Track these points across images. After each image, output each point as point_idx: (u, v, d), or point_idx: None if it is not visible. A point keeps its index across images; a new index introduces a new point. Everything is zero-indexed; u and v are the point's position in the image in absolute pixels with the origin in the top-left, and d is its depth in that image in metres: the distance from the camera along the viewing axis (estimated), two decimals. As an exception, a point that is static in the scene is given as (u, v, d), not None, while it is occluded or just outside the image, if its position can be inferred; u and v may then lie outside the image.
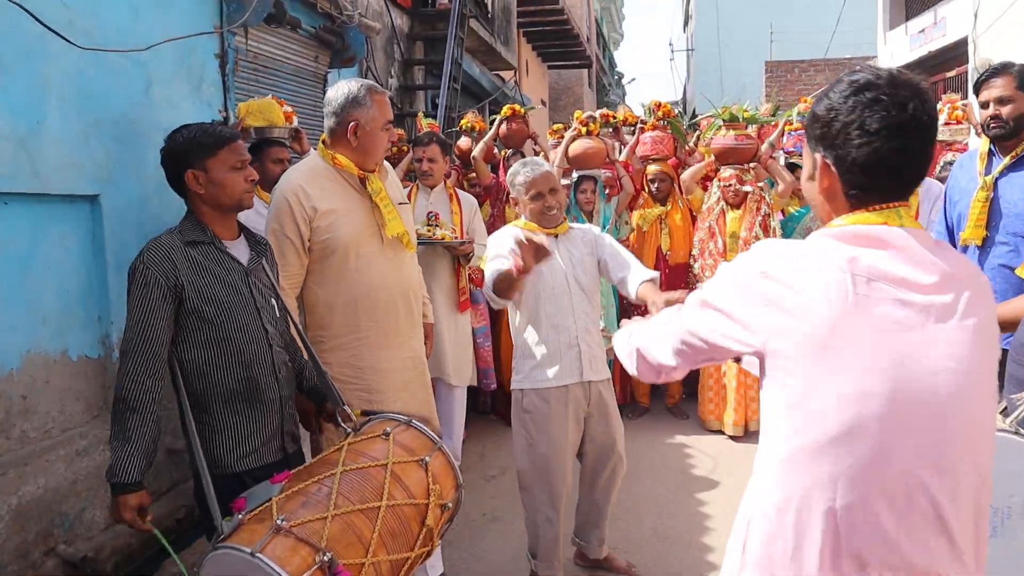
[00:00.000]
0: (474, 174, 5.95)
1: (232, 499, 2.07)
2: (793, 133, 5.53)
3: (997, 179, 3.12)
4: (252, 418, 2.39)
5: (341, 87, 2.86)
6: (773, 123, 5.67)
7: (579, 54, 18.13)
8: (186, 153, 2.35)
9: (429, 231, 4.46)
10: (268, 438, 2.43)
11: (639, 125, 5.84)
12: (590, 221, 5.29)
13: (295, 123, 4.22)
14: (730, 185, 5.18)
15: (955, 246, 3.30)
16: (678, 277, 5.58)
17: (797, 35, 20.54)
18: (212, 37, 4.20)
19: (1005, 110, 3.03)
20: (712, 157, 5.33)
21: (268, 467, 2.36)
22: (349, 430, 2.46)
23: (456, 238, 4.50)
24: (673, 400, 5.93)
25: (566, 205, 4.32)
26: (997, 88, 3.07)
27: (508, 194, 5.81)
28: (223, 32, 4.24)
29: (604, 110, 6.24)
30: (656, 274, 3.06)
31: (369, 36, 6.01)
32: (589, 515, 3.45)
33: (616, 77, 34.18)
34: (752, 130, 5.48)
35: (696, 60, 26.24)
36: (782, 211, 5.49)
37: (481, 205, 5.89)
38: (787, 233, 5.39)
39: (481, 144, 5.88)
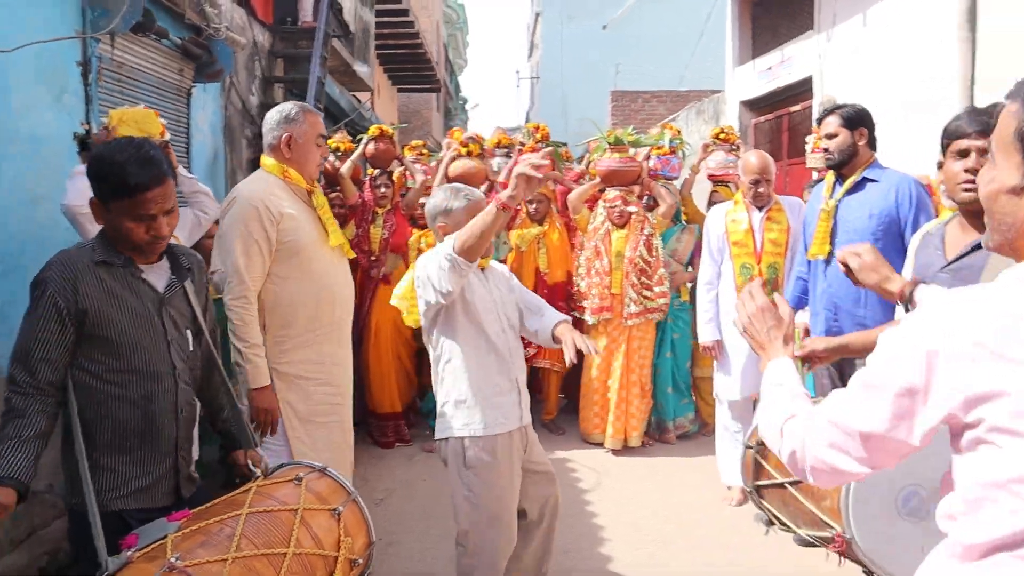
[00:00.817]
0: (335, 193, 5.83)
1: (111, 539, 1.89)
2: (659, 156, 5.79)
3: (839, 203, 3.59)
4: (141, 458, 2.19)
5: (276, 109, 3.15)
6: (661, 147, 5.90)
7: (430, 78, 18.21)
8: (92, 181, 2.13)
9: None
10: (157, 479, 2.23)
11: (518, 147, 5.93)
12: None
13: (167, 137, 3.98)
14: (615, 206, 5.33)
15: (808, 262, 3.80)
16: (556, 296, 5.67)
17: (643, 67, 21.55)
18: (74, 44, 3.91)
19: (832, 144, 3.54)
20: (598, 178, 5.49)
21: (157, 511, 2.13)
22: (259, 474, 2.30)
23: None
24: (550, 416, 6.03)
25: None
26: (827, 126, 3.60)
27: (374, 213, 5.82)
28: (86, 38, 3.95)
29: (475, 132, 6.28)
30: (569, 319, 3.02)
31: (235, 51, 5.78)
32: (535, 561, 3.12)
33: (461, 102, 34.59)
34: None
35: (541, 88, 27.00)
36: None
37: (345, 224, 5.80)
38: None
39: (348, 163, 5.82)
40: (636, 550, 3.97)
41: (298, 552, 1.99)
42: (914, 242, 2.76)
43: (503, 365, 2.91)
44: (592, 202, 5.70)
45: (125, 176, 2.06)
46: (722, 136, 6.09)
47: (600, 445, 5.54)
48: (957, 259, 2.42)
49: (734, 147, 6.07)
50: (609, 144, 5.37)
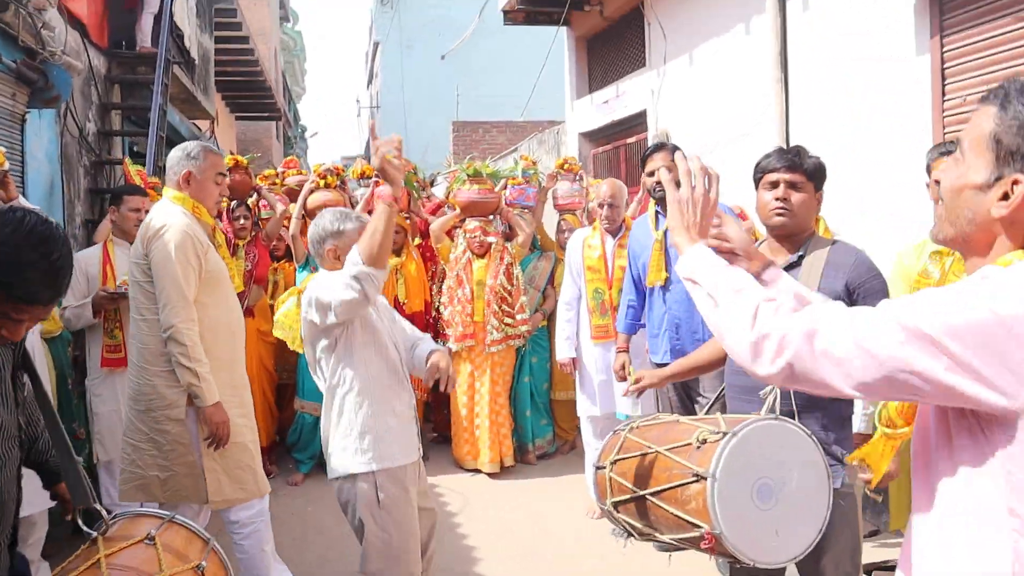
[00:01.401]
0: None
1: None
2: (515, 187, 6.01)
3: (666, 232, 3.84)
4: None
5: (179, 147, 3.27)
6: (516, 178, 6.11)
7: (270, 106, 17.85)
8: None
9: None
10: None
11: (375, 178, 5.98)
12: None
13: (7, 166, 3.78)
14: (475, 236, 5.51)
15: (642, 291, 4.07)
16: (415, 325, 5.72)
17: (483, 98, 21.99)
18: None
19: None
20: (458, 209, 5.64)
21: None
22: (93, 534, 2.02)
23: None
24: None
25: None
26: (657, 161, 3.90)
27: (235, 246, 5.69)
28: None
29: (335, 163, 6.28)
30: (445, 349, 3.06)
31: (72, 75, 5.51)
32: None
33: (300, 131, 33.95)
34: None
35: (382, 117, 26.95)
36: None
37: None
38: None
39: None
40: (507, 567, 4.10)
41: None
42: None
43: (404, 393, 2.88)
44: (450, 231, 5.86)
45: (18, 282, 1.68)
46: (566, 167, 6.41)
47: (476, 471, 5.63)
48: None
49: (578, 177, 6.42)
50: (468, 176, 5.55)
